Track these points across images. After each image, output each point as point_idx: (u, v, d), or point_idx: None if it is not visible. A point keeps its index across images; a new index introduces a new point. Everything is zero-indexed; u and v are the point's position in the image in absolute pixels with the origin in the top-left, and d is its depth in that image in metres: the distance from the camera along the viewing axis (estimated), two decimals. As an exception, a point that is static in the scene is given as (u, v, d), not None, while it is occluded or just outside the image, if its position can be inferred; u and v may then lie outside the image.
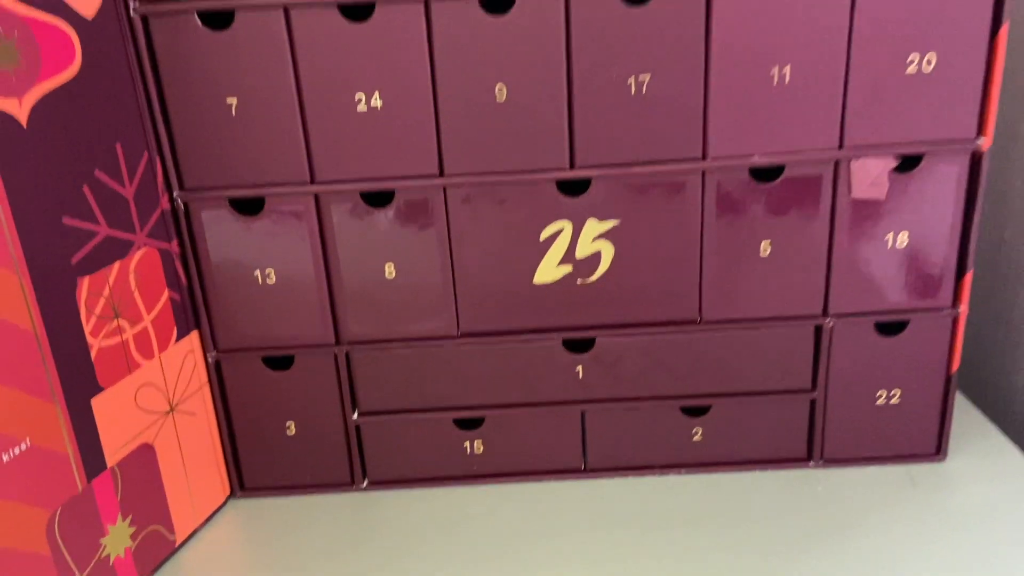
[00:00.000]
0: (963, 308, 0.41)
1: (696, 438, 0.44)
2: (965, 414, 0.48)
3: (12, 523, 0.32)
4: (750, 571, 0.37)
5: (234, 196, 0.40)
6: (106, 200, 0.36)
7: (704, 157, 0.39)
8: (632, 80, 0.37)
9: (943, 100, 0.37)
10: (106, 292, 0.36)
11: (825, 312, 0.42)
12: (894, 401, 0.43)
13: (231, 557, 0.41)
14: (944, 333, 0.42)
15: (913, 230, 0.40)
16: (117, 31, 0.36)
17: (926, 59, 0.37)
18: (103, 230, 0.36)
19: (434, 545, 0.41)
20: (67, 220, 0.34)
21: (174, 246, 0.40)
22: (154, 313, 0.39)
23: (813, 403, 0.43)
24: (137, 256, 0.38)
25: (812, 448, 0.44)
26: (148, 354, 0.39)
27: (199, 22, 0.37)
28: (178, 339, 0.41)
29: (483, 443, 0.45)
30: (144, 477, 0.39)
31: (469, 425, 0.44)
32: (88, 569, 0.35)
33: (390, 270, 0.41)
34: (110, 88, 0.36)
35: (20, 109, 0.32)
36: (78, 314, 0.34)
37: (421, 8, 0.37)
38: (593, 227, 0.40)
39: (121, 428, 0.37)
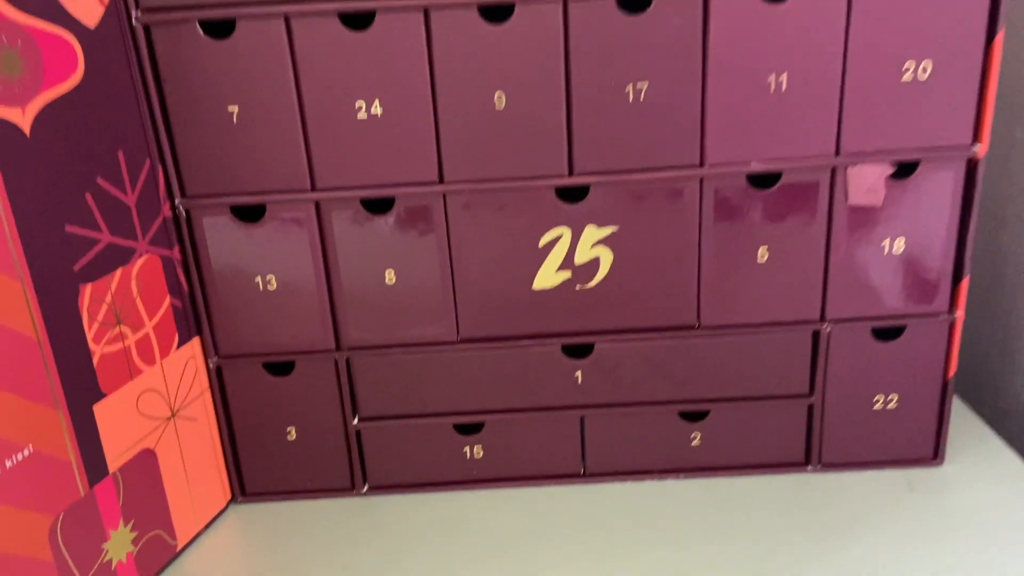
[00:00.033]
0: (960, 313, 0.41)
1: (695, 443, 0.45)
2: (962, 419, 0.48)
3: (15, 529, 0.32)
4: (748, 575, 0.38)
5: (235, 203, 0.40)
6: (108, 208, 0.36)
7: (702, 164, 0.39)
8: (630, 88, 0.38)
9: (939, 107, 0.38)
10: (108, 299, 0.36)
11: (822, 317, 0.42)
12: (891, 406, 0.43)
13: (232, 562, 0.41)
14: (941, 338, 0.42)
15: (910, 236, 0.40)
16: (119, 40, 0.36)
17: (922, 67, 0.37)
18: (105, 237, 0.36)
19: (434, 549, 0.41)
20: (69, 228, 0.34)
21: (176, 253, 0.40)
22: (156, 319, 0.39)
23: (811, 408, 0.44)
24: (139, 263, 0.38)
25: (810, 453, 0.44)
26: (150, 360, 0.39)
27: (201, 31, 0.37)
28: (179, 345, 0.41)
29: (483, 448, 0.45)
30: (146, 482, 0.39)
31: (469, 430, 0.45)
32: (90, 574, 0.36)
33: (390, 276, 0.41)
34: (112, 96, 0.36)
35: (23, 118, 0.32)
36: (80, 321, 0.35)
37: (421, 17, 0.37)
38: (592, 233, 0.41)
39: (123, 434, 0.37)
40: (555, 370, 0.43)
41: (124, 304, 0.37)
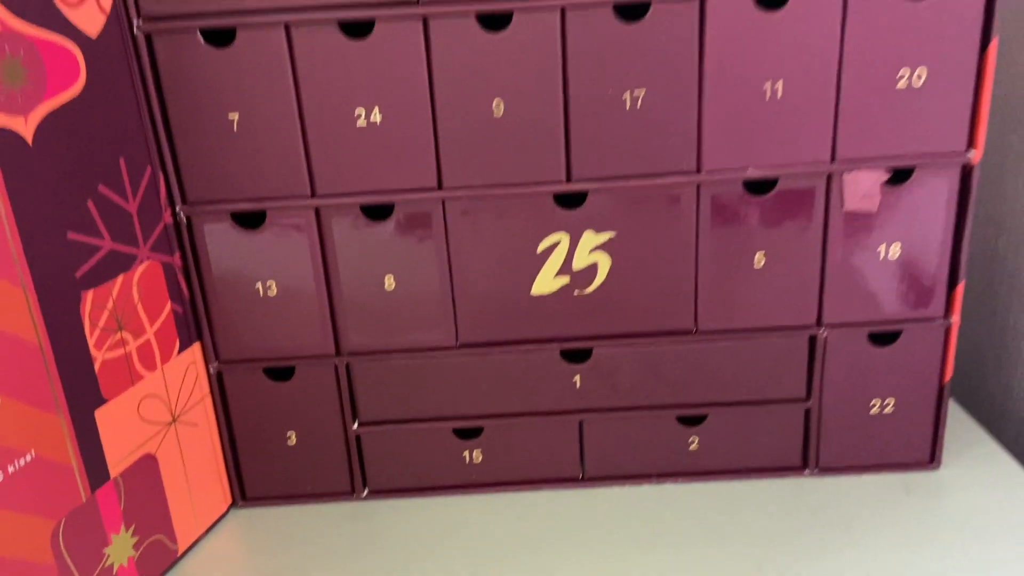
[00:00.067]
0: (955, 318, 0.42)
1: (693, 447, 0.45)
2: (959, 422, 0.48)
3: (17, 533, 0.32)
4: (746, 579, 0.38)
5: (236, 210, 0.40)
6: (110, 215, 0.36)
7: (699, 170, 0.39)
8: (627, 95, 0.38)
9: (933, 114, 0.38)
10: (109, 305, 0.36)
11: (819, 322, 0.42)
12: (888, 410, 0.43)
13: (233, 566, 0.41)
14: (937, 343, 0.42)
15: (905, 241, 0.40)
16: (121, 49, 0.37)
17: (916, 74, 0.37)
18: (107, 244, 0.36)
19: (434, 554, 0.41)
20: (71, 235, 0.34)
21: (176, 259, 0.41)
22: (157, 325, 0.39)
23: (808, 412, 0.44)
24: (140, 269, 0.38)
25: (807, 457, 0.45)
26: (151, 366, 0.39)
27: (201, 39, 0.38)
28: (180, 351, 0.41)
29: (482, 452, 0.45)
30: (147, 487, 0.39)
31: (468, 435, 0.45)
32: (92, 579, 0.36)
33: (390, 282, 0.42)
34: (114, 105, 0.37)
35: (26, 127, 0.32)
36: (82, 327, 0.35)
37: (420, 25, 0.37)
38: (590, 239, 0.41)
39: (124, 439, 0.38)
40: (554, 375, 0.44)
41: (125, 310, 0.37)
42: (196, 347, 0.42)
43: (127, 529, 0.38)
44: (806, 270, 0.41)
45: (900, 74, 0.38)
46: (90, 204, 0.35)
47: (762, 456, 0.45)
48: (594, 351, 0.43)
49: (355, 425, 0.45)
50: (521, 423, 0.44)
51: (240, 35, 0.37)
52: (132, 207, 0.38)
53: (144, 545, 0.39)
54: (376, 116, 0.39)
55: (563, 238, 0.41)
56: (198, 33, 0.37)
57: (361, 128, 0.39)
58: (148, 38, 0.37)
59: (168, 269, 0.40)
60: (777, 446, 0.45)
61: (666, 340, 0.43)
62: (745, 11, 0.37)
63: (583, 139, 0.39)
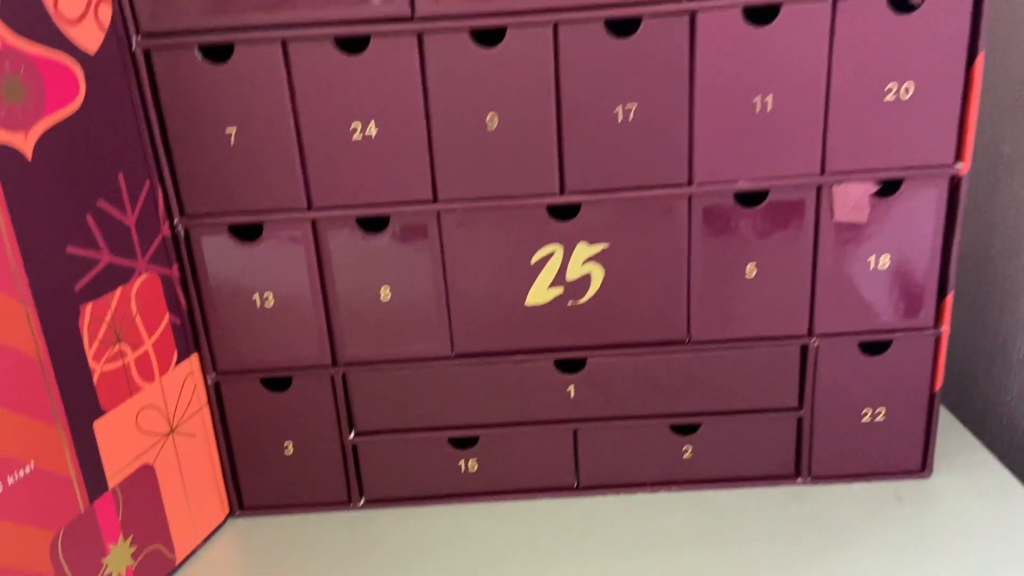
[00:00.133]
0: (945, 328, 0.42)
1: (686, 456, 0.45)
2: (951, 430, 0.49)
3: (17, 544, 0.33)
4: (738, 587, 0.38)
5: (233, 222, 0.41)
6: (108, 228, 0.37)
7: (690, 182, 0.40)
8: (619, 108, 0.39)
9: (921, 127, 0.39)
10: (108, 317, 0.37)
11: (810, 332, 0.43)
12: (879, 419, 0.44)
13: (230, 575, 0.42)
14: (927, 352, 0.43)
15: (895, 252, 0.41)
16: (119, 65, 0.37)
17: (904, 87, 0.38)
18: (105, 257, 0.37)
19: (430, 562, 0.41)
20: (70, 249, 0.35)
21: (175, 271, 0.41)
22: (155, 337, 0.40)
23: (800, 421, 0.44)
24: (138, 282, 0.39)
25: (800, 465, 0.45)
26: (149, 377, 0.39)
27: (199, 55, 0.38)
28: (178, 362, 0.42)
29: (477, 461, 0.45)
30: (145, 497, 0.40)
31: (463, 444, 0.45)
32: (90, 589, 0.36)
33: (386, 293, 0.42)
34: (113, 120, 0.37)
35: (25, 143, 0.33)
36: (81, 340, 0.35)
37: (414, 40, 0.38)
38: (583, 250, 0.41)
39: (122, 450, 0.38)
40: (548, 385, 0.44)
41: (124, 322, 0.38)
42: (194, 358, 0.43)
43: (125, 539, 0.38)
44: (797, 280, 0.42)
45: (888, 87, 0.38)
46: (89, 218, 0.36)
47: (755, 465, 0.45)
48: (588, 361, 0.43)
49: (352, 435, 0.45)
50: (516, 432, 0.45)
51: (238, 51, 0.38)
52: (131, 220, 0.38)
53: (142, 555, 0.40)
54: (372, 130, 0.39)
55: (557, 249, 0.41)
56: (196, 49, 0.38)
57: (357, 142, 0.39)
58: (147, 54, 0.38)
59: (166, 281, 0.41)
60: (770, 455, 0.45)
61: (659, 350, 0.43)
62: (735, 26, 0.37)
63: (576, 152, 0.39)
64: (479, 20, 0.37)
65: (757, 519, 0.43)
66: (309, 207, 0.41)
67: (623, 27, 0.37)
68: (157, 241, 0.40)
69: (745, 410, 0.44)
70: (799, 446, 0.45)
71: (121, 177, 0.38)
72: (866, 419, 0.44)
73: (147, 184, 0.39)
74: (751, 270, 0.41)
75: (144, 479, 0.39)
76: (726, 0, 0.37)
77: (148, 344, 0.39)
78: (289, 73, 0.38)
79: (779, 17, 0.37)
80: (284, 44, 0.38)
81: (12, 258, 0.32)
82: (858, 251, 0.41)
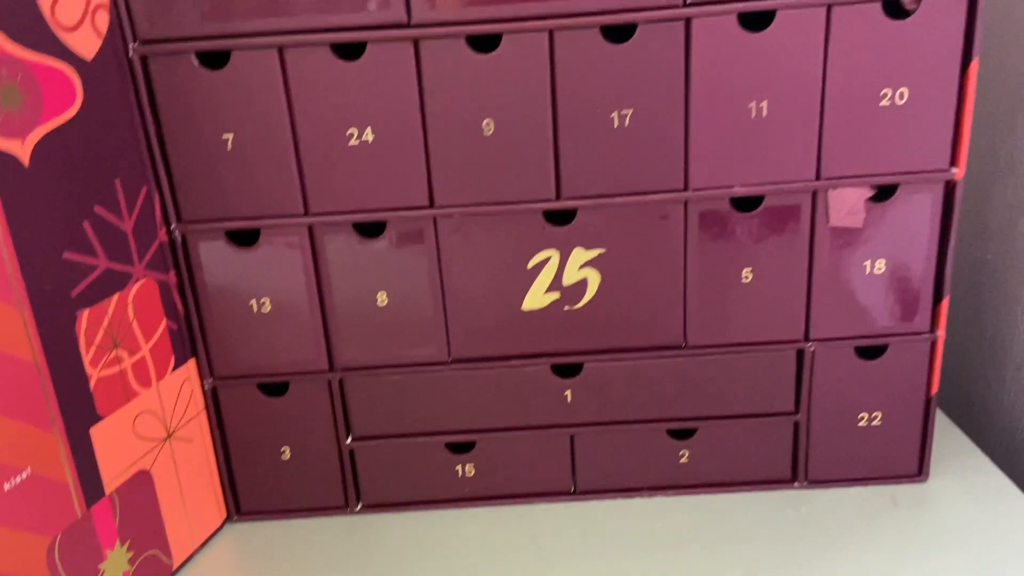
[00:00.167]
0: (941, 332, 0.42)
1: (683, 460, 0.45)
2: (947, 434, 0.49)
3: (14, 549, 0.33)
4: (734, 592, 0.38)
5: (230, 228, 0.41)
6: (105, 234, 0.37)
7: (686, 188, 0.40)
8: (615, 114, 0.39)
9: (916, 132, 0.39)
10: (105, 323, 0.37)
11: (807, 337, 0.43)
12: (876, 423, 0.44)
13: (227, 581, 0.42)
14: (923, 357, 0.43)
15: (890, 257, 0.41)
16: (116, 71, 0.37)
17: (899, 93, 0.38)
18: (102, 263, 0.37)
19: (427, 567, 0.41)
20: (67, 254, 0.35)
21: (172, 277, 0.41)
22: (152, 342, 0.40)
23: (796, 425, 0.44)
24: (135, 288, 0.39)
25: (796, 469, 0.45)
26: (146, 383, 0.40)
27: (196, 62, 0.38)
28: (175, 367, 0.42)
29: (474, 466, 0.45)
30: (142, 503, 0.40)
31: (460, 449, 0.45)
32: (87, 594, 0.36)
33: (382, 298, 0.42)
34: (110, 126, 0.37)
35: (22, 149, 0.33)
36: (77, 346, 0.35)
37: (410, 47, 0.38)
38: (579, 255, 0.41)
39: (119, 455, 0.38)
40: (545, 389, 0.44)
41: (121, 328, 0.38)
42: (191, 363, 0.43)
43: (122, 544, 0.38)
44: (793, 285, 0.42)
45: (883, 93, 0.38)
46: (86, 224, 0.36)
47: (752, 469, 0.45)
48: (585, 366, 0.44)
49: (348, 440, 0.45)
50: (513, 437, 0.45)
51: (234, 57, 0.38)
52: (127, 226, 0.38)
53: (139, 560, 0.40)
54: (368, 135, 0.39)
55: (553, 254, 0.41)
56: (193, 55, 0.38)
57: (353, 147, 0.39)
58: (143, 60, 0.38)
59: (163, 287, 0.41)
60: (766, 459, 0.45)
61: (656, 355, 0.43)
62: (730, 32, 0.37)
63: (572, 157, 0.40)
64: (475, 26, 0.37)
65: (754, 523, 0.43)
66: (306, 213, 0.41)
67: (618, 33, 0.38)
68: (154, 247, 0.40)
69: (742, 415, 0.44)
70: (796, 450, 0.45)
71: (118, 183, 0.38)
72: (862, 423, 0.44)
73: (144, 190, 0.39)
74: (747, 275, 0.41)
75: (141, 484, 0.40)
76: (721, 6, 0.37)
77: (145, 350, 0.39)
78: (286, 79, 0.38)
79: (774, 23, 0.37)
80: (280, 50, 0.38)
81: (9, 264, 0.32)
82: (854, 256, 0.41)
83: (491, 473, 0.46)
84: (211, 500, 0.45)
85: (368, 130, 0.39)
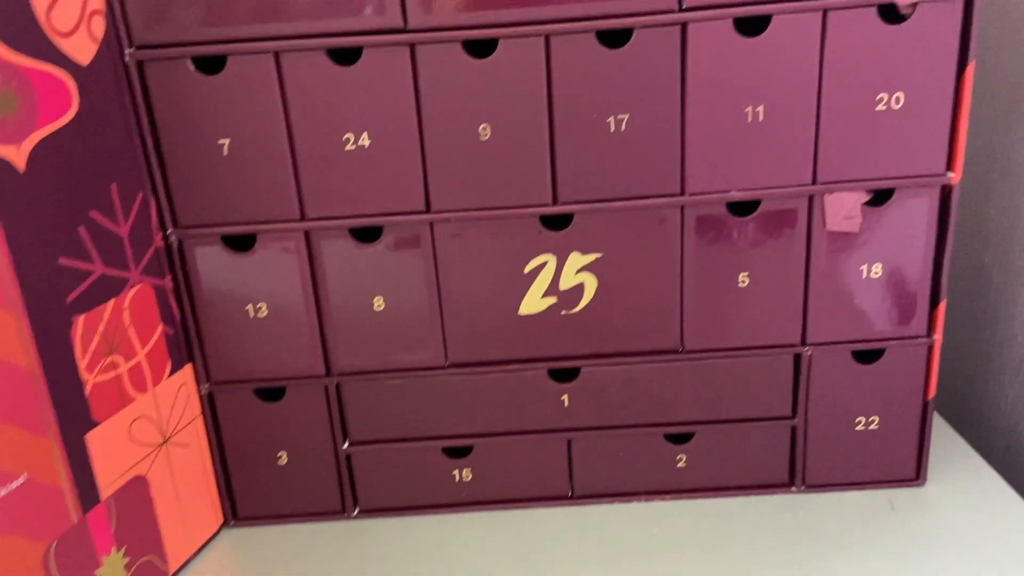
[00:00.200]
0: (938, 336, 0.42)
1: (680, 465, 0.45)
2: (945, 438, 0.49)
3: (9, 556, 0.33)
4: (732, 597, 0.38)
5: (227, 233, 0.41)
6: (101, 239, 0.37)
7: (682, 192, 0.40)
8: (612, 119, 0.39)
9: (912, 136, 0.39)
10: (101, 329, 0.37)
11: (803, 341, 0.43)
12: (873, 427, 0.44)
13: (224, 586, 0.42)
14: (920, 361, 0.43)
15: (887, 261, 0.41)
16: (112, 76, 0.37)
17: (895, 97, 0.38)
18: (98, 269, 0.37)
19: (424, 572, 0.41)
20: (63, 260, 0.35)
21: (168, 282, 0.41)
22: (148, 347, 0.40)
23: (794, 430, 0.44)
24: (131, 293, 0.39)
25: (794, 474, 0.45)
26: (142, 388, 0.39)
27: (192, 67, 0.38)
28: (172, 372, 0.42)
29: (471, 471, 0.45)
30: (137, 508, 0.40)
31: (458, 453, 0.45)
32: (83, 601, 0.36)
33: (379, 303, 0.42)
34: (106, 131, 0.37)
35: (18, 155, 0.33)
36: (73, 351, 0.35)
37: (407, 52, 0.38)
38: (576, 260, 0.41)
39: (115, 461, 0.38)
40: (542, 394, 0.44)
41: (116, 333, 0.38)
42: (188, 369, 0.43)
43: (118, 550, 0.38)
44: (790, 289, 0.42)
45: (879, 97, 0.38)
46: (82, 230, 0.36)
47: (749, 473, 0.45)
48: (582, 370, 0.44)
49: (346, 444, 0.45)
50: (510, 442, 0.45)
51: (230, 62, 0.38)
52: (123, 232, 0.38)
53: (135, 566, 0.39)
54: (365, 140, 0.39)
55: (550, 259, 0.41)
56: (189, 61, 0.38)
57: (350, 152, 0.39)
58: (140, 66, 0.38)
59: (159, 292, 0.41)
60: (764, 463, 0.45)
61: (653, 359, 0.43)
62: (726, 36, 0.37)
63: (569, 162, 0.40)
64: (471, 32, 0.37)
65: (751, 528, 0.43)
66: (302, 217, 0.41)
67: (614, 38, 0.38)
68: (150, 252, 0.40)
69: (739, 419, 0.44)
70: (793, 455, 0.45)
71: (114, 188, 0.38)
72: (860, 427, 0.44)
73: (140, 195, 0.39)
74: (744, 279, 0.41)
75: (137, 490, 0.39)
76: (717, 11, 0.37)
77: (141, 355, 0.39)
78: (282, 84, 0.38)
79: (770, 28, 0.37)
80: (277, 56, 0.38)
81: (4, 270, 0.32)
82: (850, 260, 0.41)
83: (488, 478, 0.46)
84: (207, 505, 0.45)
85: (364, 135, 0.39)
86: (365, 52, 0.38)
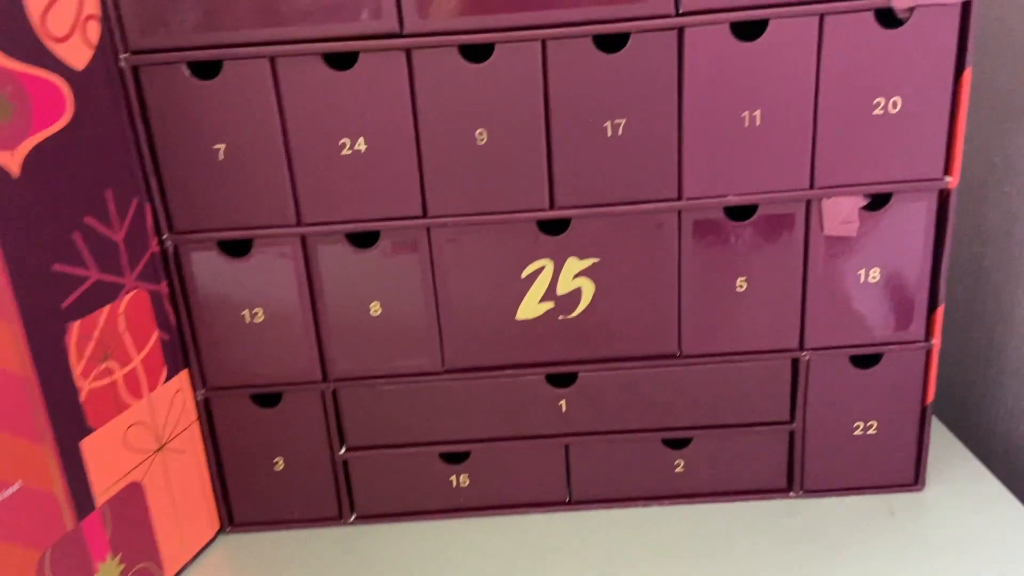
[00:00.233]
0: (936, 341, 0.42)
1: (678, 470, 0.45)
2: (944, 442, 0.48)
3: (3, 563, 0.32)
4: (730, 603, 0.38)
5: (223, 238, 0.41)
6: (96, 245, 0.37)
7: (680, 197, 0.40)
8: (608, 124, 0.39)
9: (910, 141, 0.39)
10: (96, 335, 0.37)
11: (801, 346, 0.42)
12: (871, 432, 0.44)
13: (220, 593, 0.42)
14: (918, 365, 0.43)
15: (885, 266, 0.41)
16: (107, 82, 0.37)
17: (892, 102, 0.38)
18: (93, 274, 0.37)
19: (420, 579, 0.41)
20: (57, 266, 0.35)
21: (163, 287, 0.41)
22: (144, 353, 0.40)
23: (792, 435, 0.44)
24: (127, 299, 0.39)
25: (792, 479, 0.45)
26: (137, 394, 0.39)
27: (188, 72, 0.38)
28: (168, 378, 0.41)
29: (469, 477, 0.45)
30: (133, 515, 0.39)
31: (455, 459, 0.45)
32: (77, 608, 0.36)
33: (376, 308, 0.42)
34: (101, 137, 0.37)
35: (12, 160, 0.33)
36: (68, 358, 0.35)
37: (403, 56, 0.38)
38: (573, 265, 0.41)
39: (110, 468, 0.38)
40: (539, 399, 0.44)
41: (112, 339, 0.38)
42: (184, 374, 0.43)
43: (113, 557, 0.38)
44: (788, 294, 0.41)
45: (876, 101, 0.38)
46: (76, 235, 0.36)
47: (747, 478, 0.45)
48: (579, 375, 0.43)
49: (342, 450, 0.45)
50: (508, 447, 0.45)
51: (226, 67, 0.38)
52: (119, 237, 0.38)
53: (131, 573, 0.39)
54: (361, 145, 0.39)
55: (547, 264, 0.41)
56: (184, 66, 0.38)
57: (346, 157, 0.39)
58: (135, 71, 0.38)
59: (155, 297, 0.40)
60: (762, 468, 0.45)
61: (650, 364, 0.43)
62: (723, 41, 0.37)
63: (566, 167, 0.39)
64: (467, 36, 0.37)
65: (749, 533, 0.43)
66: (298, 223, 0.40)
67: (611, 43, 0.38)
68: (146, 257, 0.40)
69: (737, 424, 0.44)
70: (791, 460, 0.45)
71: (109, 194, 0.37)
72: (858, 432, 0.44)
73: (135, 200, 0.39)
74: (742, 284, 0.41)
75: (132, 496, 0.39)
76: (714, 15, 0.37)
77: (137, 361, 0.39)
78: (278, 89, 0.38)
79: (767, 32, 0.37)
80: (272, 60, 0.38)
81: (-2, 276, 0.32)
82: (848, 265, 0.41)
83: (486, 483, 0.45)
84: (204, 511, 0.45)
85: (361, 140, 0.39)
86: (361, 57, 0.38)
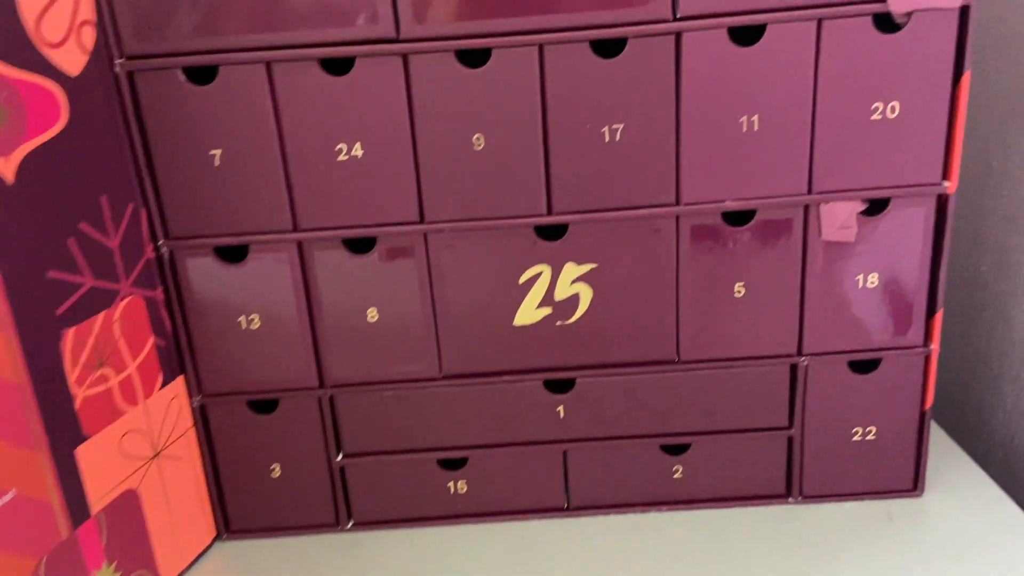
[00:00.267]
0: (935, 346, 0.42)
1: (677, 476, 0.45)
2: (943, 448, 0.48)
3: (-3, 573, 0.32)
4: (729, 610, 0.38)
5: (218, 244, 0.41)
6: (91, 252, 0.36)
7: (677, 202, 0.40)
8: (606, 129, 0.38)
9: (908, 146, 0.39)
10: (91, 342, 0.36)
11: (800, 351, 0.42)
12: (870, 437, 0.44)
13: (216, 601, 0.41)
14: (917, 371, 0.42)
15: (883, 271, 0.41)
16: (102, 87, 0.37)
17: (890, 106, 0.38)
18: (88, 281, 0.36)
19: (417, 587, 0.41)
20: (52, 273, 0.34)
21: (159, 294, 0.41)
22: (139, 360, 0.39)
23: (791, 440, 0.44)
24: (122, 305, 0.38)
25: (791, 484, 0.45)
26: (133, 401, 0.39)
27: (183, 77, 0.38)
28: (164, 385, 0.41)
29: (467, 483, 0.45)
30: (128, 522, 0.39)
31: (452, 465, 0.45)
32: (72, 617, 0.36)
33: (373, 314, 0.42)
34: (96, 143, 0.37)
35: (6, 166, 0.32)
36: (62, 365, 0.35)
37: (400, 61, 0.38)
38: (571, 270, 0.41)
39: (105, 475, 0.38)
40: (537, 405, 0.44)
41: (107, 346, 0.37)
42: (179, 381, 0.42)
43: (109, 565, 0.38)
44: (786, 300, 0.41)
45: (874, 106, 0.38)
46: (71, 242, 0.35)
47: (746, 484, 0.45)
48: (577, 381, 0.43)
49: (339, 457, 0.45)
50: (505, 453, 0.44)
51: (222, 73, 0.38)
52: (114, 243, 0.38)
53: (126, 581, 0.39)
54: (358, 151, 0.39)
55: (545, 269, 0.41)
56: (180, 71, 0.38)
57: (343, 163, 0.39)
58: (130, 76, 0.38)
59: (151, 303, 0.40)
60: (761, 474, 0.45)
61: (649, 370, 0.43)
62: (720, 46, 0.37)
63: (563, 172, 0.39)
64: (464, 41, 0.37)
65: (748, 538, 0.43)
66: (295, 228, 0.40)
67: (608, 48, 0.37)
68: (141, 264, 0.40)
69: (735, 429, 0.44)
70: (790, 465, 0.45)
71: (104, 200, 0.37)
72: (857, 438, 0.44)
73: (131, 207, 0.39)
74: (740, 289, 0.41)
75: (128, 504, 0.39)
76: (711, 20, 0.37)
77: (132, 367, 0.39)
78: (274, 95, 0.38)
79: (764, 37, 0.37)
80: (268, 66, 0.38)
81: (-8, 284, 0.32)
82: (846, 270, 0.41)
83: (483, 489, 0.45)
84: (200, 518, 0.44)
85: (357, 145, 0.39)
86: (358, 62, 0.38)
